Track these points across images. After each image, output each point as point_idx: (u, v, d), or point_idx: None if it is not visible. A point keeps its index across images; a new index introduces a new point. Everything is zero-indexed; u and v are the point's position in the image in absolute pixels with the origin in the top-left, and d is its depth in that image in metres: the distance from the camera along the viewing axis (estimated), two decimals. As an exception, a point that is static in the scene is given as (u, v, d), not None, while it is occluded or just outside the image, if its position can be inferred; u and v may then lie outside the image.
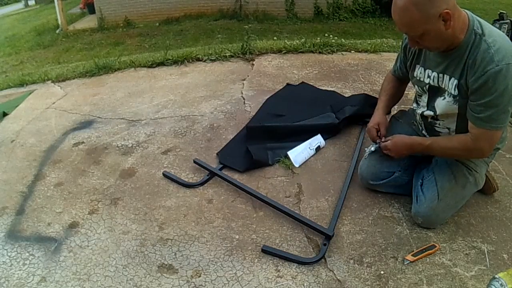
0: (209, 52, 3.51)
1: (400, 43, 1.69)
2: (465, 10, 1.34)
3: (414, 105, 1.65)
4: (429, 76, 1.49)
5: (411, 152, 1.58)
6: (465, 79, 1.34)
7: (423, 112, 1.57)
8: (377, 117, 1.72)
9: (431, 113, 1.54)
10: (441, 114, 1.51)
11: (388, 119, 1.77)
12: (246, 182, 1.84)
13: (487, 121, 1.32)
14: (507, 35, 2.19)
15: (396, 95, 1.80)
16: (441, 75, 1.43)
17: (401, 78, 1.75)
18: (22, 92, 3.08)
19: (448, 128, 1.52)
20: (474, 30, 1.30)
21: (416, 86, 1.59)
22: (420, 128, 1.66)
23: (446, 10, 1.22)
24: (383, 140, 1.64)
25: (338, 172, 1.89)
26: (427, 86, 1.51)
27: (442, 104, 1.48)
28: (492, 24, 2.27)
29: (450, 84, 1.41)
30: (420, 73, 1.53)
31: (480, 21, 1.32)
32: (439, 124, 1.55)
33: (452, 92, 1.41)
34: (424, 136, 1.63)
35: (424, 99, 1.56)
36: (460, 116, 1.43)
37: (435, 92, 1.49)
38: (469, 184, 1.52)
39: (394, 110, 2.12)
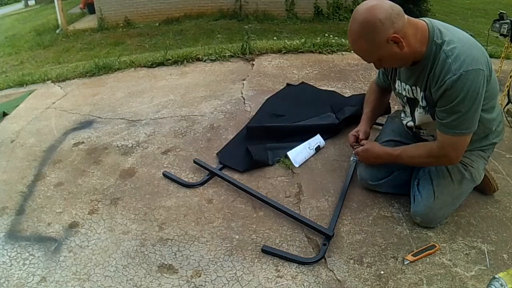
0: (209, 52, 3.51)
1: None
2: (424, 19, 1.35)
3: (402, 115, 1.68)
4: (404, 89, 1.52)
5: (381, 161, 1.62)
6: (429, 90, 1.37)
7: (407, 123, 1.61)
8: (359, 127, 1.76)
9: (412, 123, 1.58)
10: (420, 124, 1.54)
11: (370, 131, 1.78)
12: (246, 182, 1.84)
13: (451, 127, 1.34)
14: (507, 35, 2.19)
15: (379, 107, 1.85)
16: (414, 87, 1.46)
17: (385, 88, 1.77)
18: (22, 92, 3.08)
19: (433, 136, 1.54)
20: (434, 41, 1.30)
21: (397, 99, 1.62)
22: (410, 135, 1.68)
23: (394, 35, 1.24)
24: (357, 145, 1.69)
25: (338, 172, 1.89)
26: (405, 98, 1.55)
27: (417, 114, 1.52)
28: (492, 24, 2.27)
29: (420, 95, 1.44)
30: (398, 86, 1.56)
31: (440, 29, 1.32)
32: (423, 133, 1.59)
33: (421, 103, 1.45)
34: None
35: (407, 110, 1.59)
36: None
37: (413, 103, 1.53)
38: (466, 180, 1.52)
39: (394, 109, 2.12)
